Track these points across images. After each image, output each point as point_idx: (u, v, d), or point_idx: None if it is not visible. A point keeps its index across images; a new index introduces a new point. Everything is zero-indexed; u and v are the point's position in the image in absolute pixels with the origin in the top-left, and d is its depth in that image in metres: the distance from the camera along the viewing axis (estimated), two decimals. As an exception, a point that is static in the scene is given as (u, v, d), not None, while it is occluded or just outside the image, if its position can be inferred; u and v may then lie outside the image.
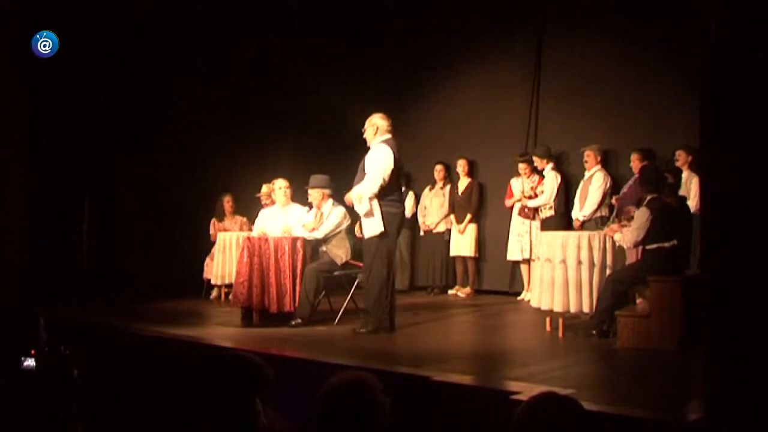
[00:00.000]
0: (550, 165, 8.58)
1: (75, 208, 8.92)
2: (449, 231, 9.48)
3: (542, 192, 8.55)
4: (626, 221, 6.60)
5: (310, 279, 6.89)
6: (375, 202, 6.38)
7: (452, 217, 9.42)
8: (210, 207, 9.51)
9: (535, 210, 8.66)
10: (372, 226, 6.42)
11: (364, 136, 6.59)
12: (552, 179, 8.50)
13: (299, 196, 7.84)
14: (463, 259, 9.33)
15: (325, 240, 7.25)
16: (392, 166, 6.38)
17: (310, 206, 7.65)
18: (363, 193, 6.40)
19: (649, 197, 6.09)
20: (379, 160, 6.39)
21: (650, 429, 3.61)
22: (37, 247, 8.33)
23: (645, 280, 5.84)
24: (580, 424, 2.19)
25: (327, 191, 7.42)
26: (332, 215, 7.28)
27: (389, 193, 6.41)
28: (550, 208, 8.46)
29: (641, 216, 5.99)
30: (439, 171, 9.58)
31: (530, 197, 8.68)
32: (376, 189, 6.35)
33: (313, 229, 7.30)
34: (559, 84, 8.85)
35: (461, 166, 9.39)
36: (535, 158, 8.65)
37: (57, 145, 8.74)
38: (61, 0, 8.38)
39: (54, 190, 8.69)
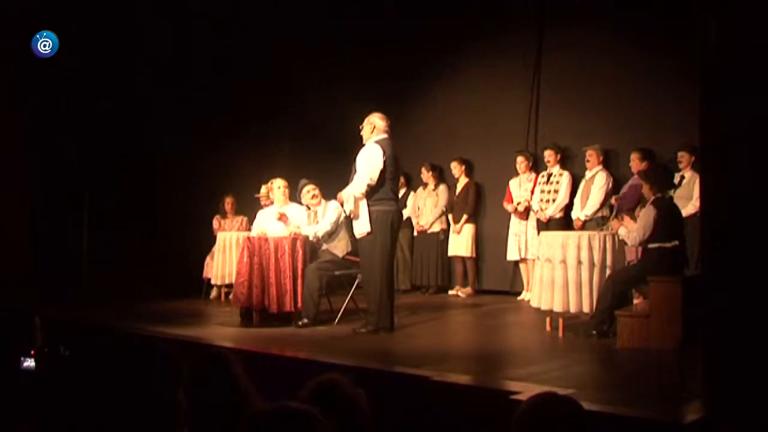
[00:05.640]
0: (558, 166, 8.53)
1: (75, 209, 8.91)
2: (444, 231, 9.42)
3: (556, 191, 8.41)
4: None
5: (312, 278, 6.86)
6: (363, 203, 6.38)
7: (450, 217, 9.39)
8: (212, 207, 9.52)
9: (528, 210, 8.63)
10: (360, 226, 6.44)
11: (361, 133, 6.59)
12: (567, 180, 8.41)
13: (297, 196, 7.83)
14: (462, 259, 9.32)
15: (329, 236, 7.22)
16: (381, 166, 6.35)
17: (308, 207, 7.64)
18: (350, 194, 6.43)
19: (653, 197, 6.08)
20: (366, 160, 6.38)
21: (650, 429, 3.61)
22: (37, 248, 8.33)
23: (645, 280, 5.83)
24: (580, 424, 2.19)
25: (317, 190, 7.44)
26: (329, 209, 7.25)
27: (381, 191, 6.39)
28: (561, 210, 8.41)
29: (648, 214, 5.96)
30: (426, 172, 9.53)
31: (527, 200, 8.64)
32: (363, 189, 6.35)
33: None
34: (559, 84, 8.83)
35: (455, 167, 9.34)
36: (547, 152, 8.53)
37: (57, 145, 8.73)
38: (61, 0, 8.38)
39: (54, 190, 8.69)
